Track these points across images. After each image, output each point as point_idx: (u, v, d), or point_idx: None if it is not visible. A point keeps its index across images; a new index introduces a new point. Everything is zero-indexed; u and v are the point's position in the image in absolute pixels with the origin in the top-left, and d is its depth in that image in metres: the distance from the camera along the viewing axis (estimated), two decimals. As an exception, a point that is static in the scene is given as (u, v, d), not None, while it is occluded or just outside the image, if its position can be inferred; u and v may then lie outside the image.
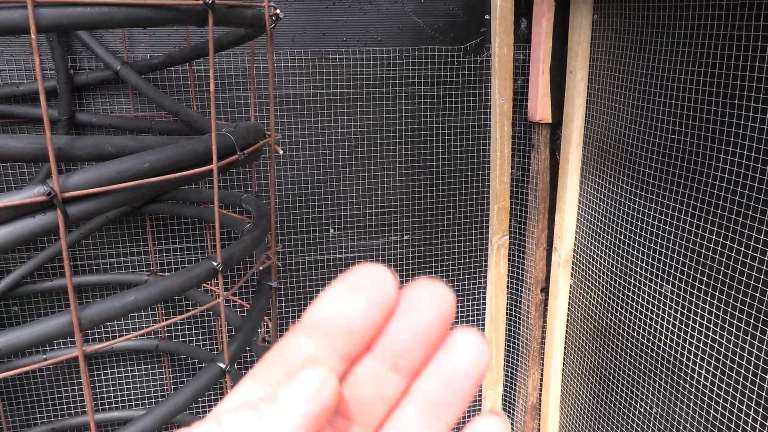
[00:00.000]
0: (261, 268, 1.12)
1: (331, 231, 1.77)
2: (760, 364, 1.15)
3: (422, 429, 0.28)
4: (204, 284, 1.66)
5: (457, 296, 1.93)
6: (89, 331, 1.68)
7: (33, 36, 0.65)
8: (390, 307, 0.28)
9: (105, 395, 1.74)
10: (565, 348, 1.83)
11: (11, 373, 0.78)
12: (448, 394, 0.28)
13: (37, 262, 1.50)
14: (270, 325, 1.24)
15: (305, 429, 0.24)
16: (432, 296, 0.29)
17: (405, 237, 1.83)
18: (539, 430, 1.97)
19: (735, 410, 1.22)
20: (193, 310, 0.89)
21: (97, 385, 1.72)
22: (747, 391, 1.19)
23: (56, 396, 1.70)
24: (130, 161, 0.79)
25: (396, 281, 0.29)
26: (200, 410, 1.80)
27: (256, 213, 1.16)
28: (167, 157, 0.82)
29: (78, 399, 1.72)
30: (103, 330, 1.68)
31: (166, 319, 1.71)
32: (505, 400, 2.05)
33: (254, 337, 1.37)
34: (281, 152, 1.32)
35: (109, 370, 1.72)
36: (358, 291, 0.28)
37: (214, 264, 0.91)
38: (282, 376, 0.26)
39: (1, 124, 1.49)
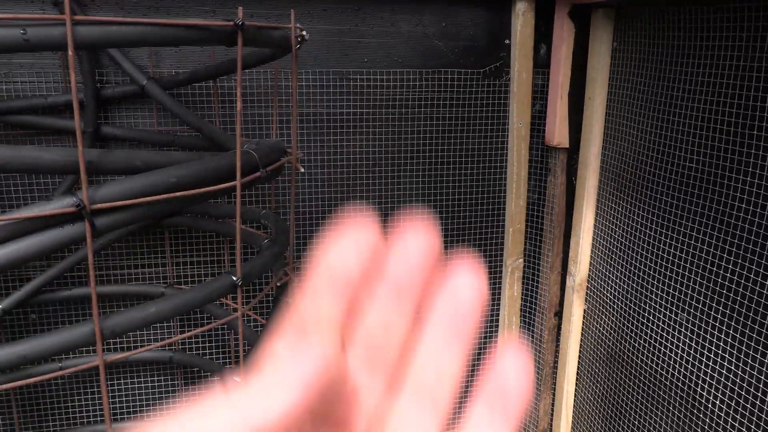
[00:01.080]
0: (278, 284, 1.14)
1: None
2: (776, 396, 1.15)
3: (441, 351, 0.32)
4: (223, 300, 1.68)
5: (470, 318, 1.93)
6: (108, 343, 1.69)
7: (71, 53, 0.67)
8: (379, 250, 0.31)
9: (117, 406, 1.75)
10: (577, 373, 1.82)
11: (31, 380, 0.80)
12: (455, 319, 0.32)
13: (57, 271, 1.52)
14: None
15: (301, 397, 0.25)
16: (418, 235, 0.32)
17: (420, 257, 1.84)
18: (550, 455, 1.96)
19: (750, 442, 1.21)
20: (210, 323, 0.91)
21: (109, 395, 1.74)
22: (763, 423, 1.18)
23: (70, 405, 1.71)
24: (158, 175, 0.80)
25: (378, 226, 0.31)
26: (211, 424, 1.81)
27: (276, 229, 1.18)
28: (193, 172, 0.84)
29: (91, 408, 1.73)
30: (118, 340, 1.70)
31: (181, 331, 1.72)
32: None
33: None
34: (303, 170, 1.34)
35: (122, 381, 1.74)
36: (350, 243, 0.31)
37: (234, 278, 0.92)
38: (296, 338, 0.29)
39: (28, 135, 1.53)
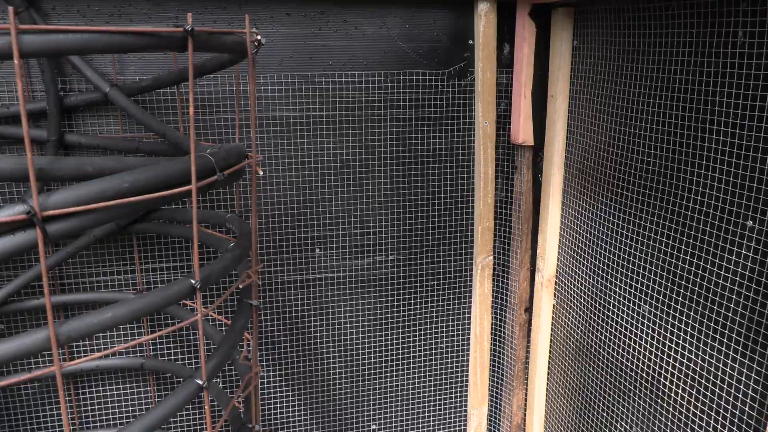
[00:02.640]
0: (241, 287, 1.14)
1: (317, 251, 1.79)
2: (733, 382, 1.17)
3: None
4: (189, 303, 1.68)
5: (443, 316, 1.95)
6: (77, 350, 1.69)
7: (16, 61, 0.68)
8: None
9: (91, 413, 1.74)
10: (548, 368, 1.85)
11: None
12: None
13: (24, 280, 1.52)
14: (252, 344, 1.25)
15: None
16: None
17: (390, 257, 1.85)
18: (524, 450, 1.98)
19: (710, 428, 1.24)
20: (171, 326, 0.91)
21: (83, 403, 1.73)
22: (722, 410, 1.21)
23: (40, 415, 1.70)
24: (110, 181, 0.81)
25: None
26: (177, 426, 1.81)
27: (239, 232, 1.18)
28: (147, 177, 0.85)
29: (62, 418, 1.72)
30: (90, 349, 1.69)
31: (151, 329, 1.72)
32: (490, 420, 2.05)
33: (236, 356, 1.38)
34: (262, 173, 1.35)
35: (95, 389, 1.73)
36: None
37: (193, 282, 0.93)
38: None
39: (-9, 145, 1.52)
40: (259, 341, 1.80)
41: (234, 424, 1.31)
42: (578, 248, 1.66)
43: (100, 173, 0.83)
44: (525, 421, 1.96)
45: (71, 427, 1.73)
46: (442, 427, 2.04)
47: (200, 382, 0.97)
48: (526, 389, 1.94)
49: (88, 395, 1.73)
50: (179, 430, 1.80)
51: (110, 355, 1.71)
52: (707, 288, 1.22)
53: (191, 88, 0.86)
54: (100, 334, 1.69)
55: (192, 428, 1.82)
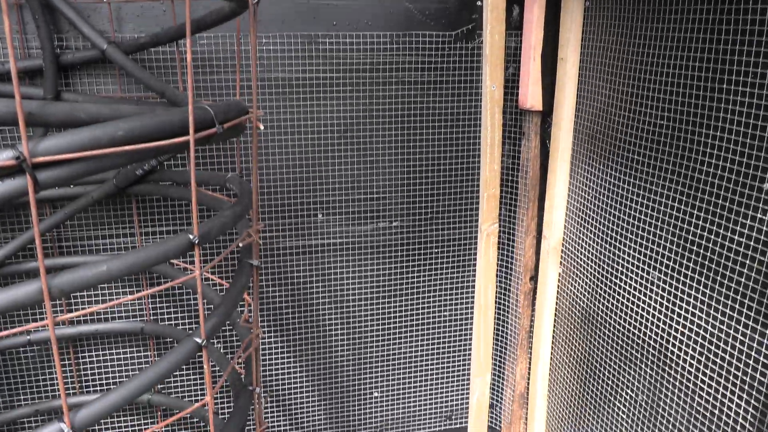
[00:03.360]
0: (241, 245, 1.12)
1: (319, 216, 1.76)
2: (744, 349, 1.15)
3: None
4: (189, 267, 1.65)
5: (446, 284, 1.92)
6: (76, 320, 1.67)
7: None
8: None
9: (91, 378, 1.73)
10: (553, 336, 1.83)
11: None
12: None
13: (21, 243, 1.49)
14: (252, 305, 1.23)
15: None
16: None
17: (394, 223, 1.82)
18: (527, 418, 1.97)
19: (719, 396, 1.21)
20: (165, 283, 0.89)
21: (82, 367, 1.72)
22: (731, 377, 1.18)
23: (40, 378, 1.69)
24: (103, 128, 0.78)
25: None
26: (178, 389, 1.80)
27: (239, 191, 1.15)
28: (142, 126, 0.81)
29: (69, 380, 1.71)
30: (94, 312, 1.67)
31: (152, 303, 1.70)
32: (493, 389, 2.04)
33: (237, 318, 1.36)
34: (262, 128, 1.32)
35: (95, 354, 1.71)
36: None
37: (191, 237, 0.90)
38: None
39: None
40: (260, 308, 1.78)
41: (235, 387, 1.29)
42: (586, 215, 1.62)
43: (93, 120, 0.79)
44: (528, 389, 1.95)
45: (72, 391, 1.71)
46: (444, 395, 2.03)
47: (199, 340, 0.95)
48: (530, 358, 1.92)
49: (88, 360, 1.71)
50: (180, 393, 1.79)
51: (109, 313, 1.69)
52: (719, 253, 1.19)
53: (188, 33, 0.82)
54: (102, 305, 1.67)
55: (193, 392, 1.80)
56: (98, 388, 1.75)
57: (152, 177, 1.50)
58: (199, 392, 1.80)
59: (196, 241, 0.90)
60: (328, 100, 1.67)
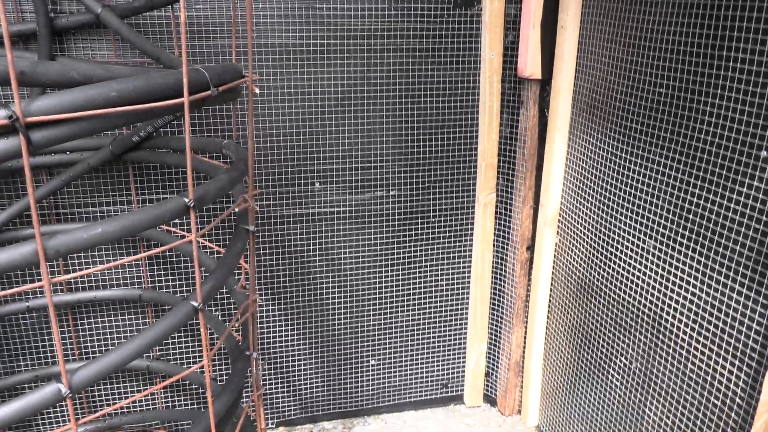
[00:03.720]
0: (237, 210, 1.11)
1: (317, 185, 1.75)
2: (737, 316, 1.15)
3: None
4: (185, 234, 1.65)
5: (443, 253, 1.93)
6: (76, 282, 1.67)
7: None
8: None
9: (91, 344, 1.74)
10: (548, 305, 1.84)
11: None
12: None
13: (18, 209, 1.49)
14: (249, 271, 1.23)
15: None
16: None
17: (391, 192, 1.82)
18: (522, 386, 1.99)
19: (712, 362, 1.23)
20: (158, 248, 0.89)
21: (81, 334, 1.73)
22: (724, 344, 1.19)
23: (39, 345, 1.70)
24: (97, 89, 0.77)
25: None
26: (175, 351, 1.81)
27: (235, 156, 1.15)
28: (136, 87, 0.81)
29: (63, 346, 1.72)
30: (86, 279, 1.68)
31: (150, 271, 1.71)
32: (489, 358, 2.06)
33: (234, 285, 1.36)
34: (258, 92, 1.31)
35: (94, 321, 1.72)
36: None
37: (186, 200, 0.90)
38: None
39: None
40: (258, 275, 1.78)
41: (232, 353, 1.30)
42: (583, 185, 1.62)
43: (87, 80, 0.78)
44: (524, 358, 1.96)
45: (72, 357, 1.73)
46: (440, 363, 2.05)
47: (195, 303, 0.95)
48: (526, 327, 1.93)
49: (87, 327, 1.73)
50: (179, 360, 1.81)
51: (108, 281, 1.70)
52: (715, 221, 1.19)
53: (182, -8, 0.80)
54: (101, 274, 1.68)
55: (192, 359, 1.82)
56: (97, 355, 1.76)
57: (149, 144, 1.49)
58: (198, 359, 1.82)
59: (192, 205, 0.90)
60: (325, 67, 1.66)
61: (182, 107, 0.87)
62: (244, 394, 1.79)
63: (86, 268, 1.67)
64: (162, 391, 1.84)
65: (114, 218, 0.82)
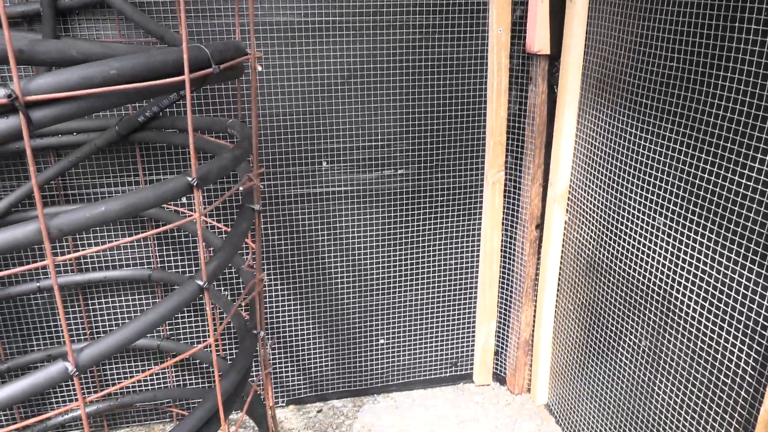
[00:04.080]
0: (243, 189, 1.11)
1: (324, 164, 1.75)
2: (748, 294, 1.14)
3: None
4: (192, 214, 1.66)
5: (452, 232, 1.92)
6: (86, 263, 1.69)
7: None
8: None
9: (102, 324, 1.76)
10: (558, 284, 1.83)
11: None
12: None
13: (26, 191, 1.50)
14: (255, 250, 1.23)
15: None
16: None
17: (399, 171, 1.81)
18: (532, 365, 1.99)
19: (722, 341, 1.22)
20: (162, 227, 0.89)
21: (93, 313, 1.74)
22: (735, 322, 1.18)
23: (51, 325, 1.72)
24: (96, 67, 0.76)
25: None
26: (185, 331, 1.83)
27: (240, 135, 1.14)
28: (135, 65, 0.80)
29: (74, 327, 1.74)
30: (95, 259, 1.69)
31: (159, 250, 1.71)
32: (498, 336, 2.06)
33: (241, 264, 1.37)
34: (260, 69, 1.30)
35: (104, 301, 1.74)
36: None
37: (189, 179, 0.89)
38: None
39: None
40: (266, 256, 1.79)
41: (240, 332, 1.31)
42: (593, 162, 1.60)
43: (86, 59, 0.78)
44: (533, 336, 1.96)
45: (83, 337, 1.75)
46: (449, 342, 2.05)
47: (201, 282, 0.95)
48: (535, 305, 1.93)
49: (98, 307, 1.74)
50: (190, 340, 1.82)
51: (117, 262, 1.71)
52: (726, 198, 1.17)
53: (181, -32, 0.79)
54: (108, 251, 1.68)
55: (202, 339, 1.83)
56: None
57: (155, 124, 1.49)
58: (208, 338, 1.83)
59: (195, 183, 0.90)
60: (331, 44, 1.64)
61: (183, 85, 0.86)
62: (252, 373, 1.81)
63: (95, 252, 1.68)
64: (173, 370, 1.86)
65: (117, 197, 0.82)
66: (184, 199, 1.68)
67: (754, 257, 1.12)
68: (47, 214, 0.75)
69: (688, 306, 1.30)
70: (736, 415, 1.20)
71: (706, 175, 1.22)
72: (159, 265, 1.74)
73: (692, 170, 1.25)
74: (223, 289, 1.81)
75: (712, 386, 1.26)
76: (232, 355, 1.88)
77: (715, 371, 1.24)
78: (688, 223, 1.28)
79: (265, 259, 1.79)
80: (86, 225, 0.79)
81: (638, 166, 1.42)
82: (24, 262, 1.64)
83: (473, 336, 2.06)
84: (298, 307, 1.88)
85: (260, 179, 1.68)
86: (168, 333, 1.81)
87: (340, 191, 1.78)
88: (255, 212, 1.15)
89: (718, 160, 1.18)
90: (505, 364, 2.08)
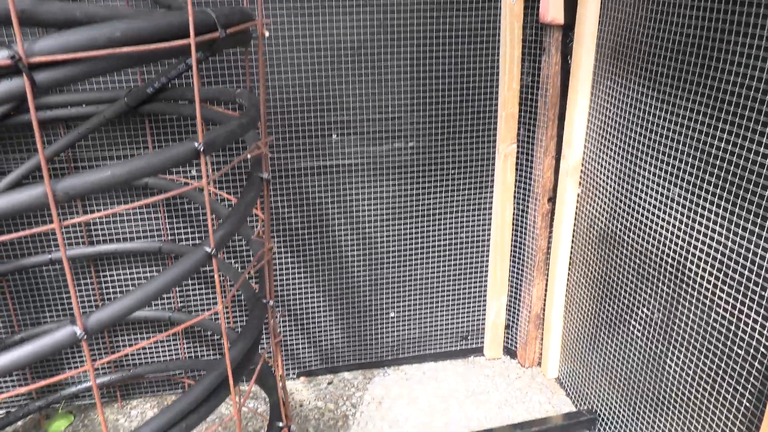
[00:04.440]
0: (251, 157, 1.10)
1: (334, 136, 1.73)
2: (765, 264, 1.12)
3: None
4: (201, 185, 1.66)
5: (463, 206, 1.90)
6: (98, 234, 1.69)
7: None
8: None
9: (112, 295, 1.77)
10: (570, 257, 1.81)
11: None
12: None
13: (36, 162, 1.50)
14: (264, 220, 1.23)
15: None
16: None
17: (410, 144, 1.79)
18: (542, 338, 1.98)
19: (736, 312, 1.20)
20: (168, 192, 0.88)
21: (104, 286, 1.75)
22: (749, 293, 1.16)
23: (64, 297, 1.74)
24: (101, 29, 0.75)
25: None
26: (197, 303, 1.83)
27: (247, 103, 1.13)
28: (141, 27, 0.79)
29: (86, 298, 1.75)
30: (106, 231, 1.70)
31: (169, 223, 1.72)
32: (509, 310, 2.05)
33: (250, 234, 1.36)
34: (268, 34, 1.28)
35: (116, 273, 1.75)
36: None
37: (196, 144, 0.88)
38: None
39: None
40: (276, 228, 1.78)
41: (249, 302, 1.31)
42: (607, 133, 1.58)
43: (89, 20, 0.77)
44: (544, 310, 1.95)
45: (96, 307, 1.76)
46: (460, 316, 2.04)
47: (208, 249, 0.95)
48: (547, 279, 1.91)
49: (109, 279, 1.75)
50: (200, 312, 1.83)
51: (128, 234, 1.71)
52: (743, 167, 1.15)
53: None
54: (118, 221, 1.69)
55: (210, 310, 1.84)
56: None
57: (164, 95, 1.48)
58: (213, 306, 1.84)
59: (201, 149, 0.89)
60: (341, 15, 1.62)
61: (189, 49, 0.85)
62: (263, 343, 1.81)
63: (105, 222, 1.68)
64: (185, 343, 1.87)
65: (124, 161, 0.82)
66: (194, 172, 1.67)
67: (771, 227, 1.10)
68: (55, 181, 0.75)
69: (702, 278, 1.29)
70: (749, 387, 1.19)
71: (722, 145, 1.19)
72: (169, 238, 1.74)
73: (708, 139, 1.23)
74: (233, 261, 1.81)
75: (725, 358, 1.24)
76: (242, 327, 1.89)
77: (729, 342, 1.23)
78: (703, 194, 1.26)
79: (274, 233, 1.79)
80: (93, 189, 0.78)
81: (653, 136, 1.40)
82: (37, 242, 1.65)
83: (484, 310, 2.05)
84: (309, 280, 1.88)
85: (269, 151, 1.67)
86: (179, 306, 1.82)
87: (350, 163, 1.77)
88: (263, 181, 1.14)
89: (735, 129, 1.16)
90: (516, 338, 2.07)
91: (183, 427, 1.01)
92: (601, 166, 1.61)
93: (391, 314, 1.98)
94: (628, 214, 1.51)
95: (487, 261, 1.99)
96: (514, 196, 1.91)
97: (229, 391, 1.08)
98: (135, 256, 1.74)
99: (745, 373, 1.20)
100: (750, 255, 1.15)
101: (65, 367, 1.81)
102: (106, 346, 1.82)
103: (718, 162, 1.21)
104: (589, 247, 1.70)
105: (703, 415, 1.32)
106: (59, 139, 1.50)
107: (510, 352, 2.10)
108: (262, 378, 1.42)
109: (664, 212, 1.38)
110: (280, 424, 1.32)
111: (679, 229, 1.34)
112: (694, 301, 1.32)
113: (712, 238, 1.25)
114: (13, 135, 1.57)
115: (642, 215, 1.46)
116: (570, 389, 1.89)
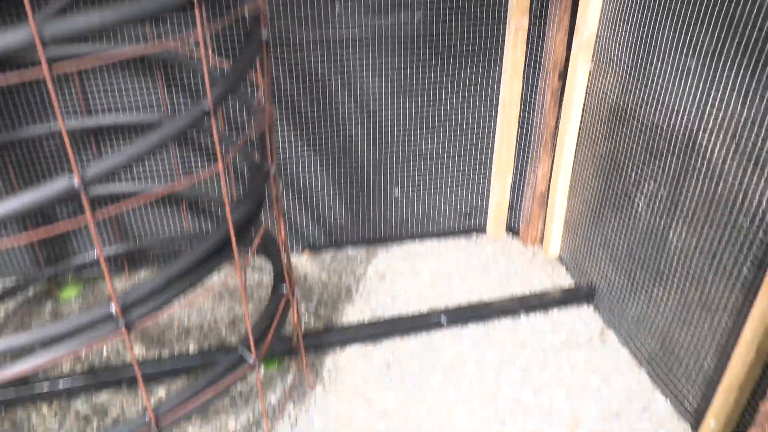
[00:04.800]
0: (248, 18, 1.05)
1: (337, 6, 1.65)
2: (778, 131, 1.09)
3: None
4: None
5: (470, 82, 1.85)
6: (95, 109, 1.66)
7: None
8: None
9: (115, 171, 1.76)
10: (578, 135, 1.78)
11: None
12: None
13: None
14: (264, 86, 1.19)
15: None
16: None
17: (416, 15, 1.71)
18: (545, 217, 1.99)
19: (745, 182, 1.18)
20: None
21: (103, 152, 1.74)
22: (761, 162, 1.14)
23: (66, 166, 1.73)
24: None
25: None
26: (190, 168, 1.83)
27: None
28: None
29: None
30: (113, 105, 1.66)
31: (169, 97, 1.68)
32: (513, 189, 2.04)
33: (252, 103, 1.33)
34: None
35: (116, 145, 1.73)
36: None
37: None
38: None
39: None
40: (277, 104, 1.74)
41: (251, 170, 1.30)
42: (623, 3, 1.50)
43: None
44: (549, 189, 1.94)
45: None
46: (464, 194, 2.04)
47: (205, 108, 0.92)
48: (553, 158, 1.89)
49: (109, 152, 1.73)
50: (208, 190, 1.83)
51: (127, 105, 1.68)
52: (760, 36, 1.09)
53: None
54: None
55: (214, 185, 1.84)
56: (122, 180, 1.79)
57: None
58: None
59: (196, -4, 0.84)
60: None
61: None
62: (266, 211, 1.83)
63: (104, 91, 1.64)
64: (190, 220, 1.88)
65: (112, 7, 0.77)
66: (193, 46, 1.61)
67: (789, 92, 1.06)
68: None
69: (712, 151, 1.26)
70: (750, 256, 1.19)
71: (739, 12, 1.13)
72: (169, 112, 1.71)
73: (726, 7, 1.16)
74: (235, 136, 1.79)
75: (729, 227, 1.24)
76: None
77: (735, 212, 1.22)
78: (720, 63, 1.21)
79: (276, 110, 1.75)
80: (80, 29, 0.75)
81: (670, 5, 1.33)
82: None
83: (489, 188, 2.05)
84: (312, 157, 1.86)
85: (268, 21, 1.61)
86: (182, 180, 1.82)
87: (353, 36, 1.70)
88: (262, 41, 1.09)
89: (761, -11, 1.09)
90: (519, 217, 2.08)
91: (189, 282, 1.02)
92: (616, 39, 1.54)
93: (396, 192, 1.97)
94: (640, 88, 1.46)
95: (494, 139, 1.96)
96: (524, 72, 1.85)
97: (231, 253, 1.09)
98: (135, 129, 1.72)
99: (747, 242, 1.20)
100: (766, 122, 1.12)
101: (73, 241, 1.84)
102: (112, 224, 1.83)
103: (738, 30, 1.15)
104: (598, 124, 1.66)
105: (702, 283, 1.34)
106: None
107: (513, 230, 2.12)
108: (266, 246, 1.44)
109: (677, 85, 1.34)
110: (284, 290, 1.35)
111: (693, 101, 1.30)
112: (701, 173, 1.30)
113: (726, 109, 1.21)
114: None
115: (655, 89, 1.41)
116: (570, 266, 1.91)
